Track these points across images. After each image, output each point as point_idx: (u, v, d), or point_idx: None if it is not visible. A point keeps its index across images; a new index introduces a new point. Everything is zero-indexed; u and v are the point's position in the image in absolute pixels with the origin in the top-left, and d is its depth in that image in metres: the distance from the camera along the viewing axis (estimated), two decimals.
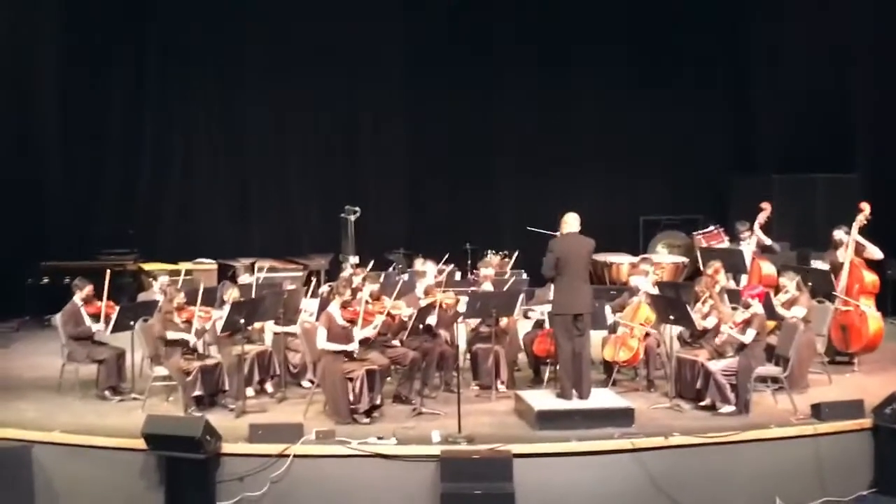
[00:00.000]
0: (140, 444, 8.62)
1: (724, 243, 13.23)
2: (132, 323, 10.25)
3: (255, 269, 12.90)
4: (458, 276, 12.62)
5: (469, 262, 14.56)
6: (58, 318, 10.57)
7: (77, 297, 10.54)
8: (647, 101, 16.91)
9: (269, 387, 10.52)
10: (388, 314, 9.95)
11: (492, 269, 11.50)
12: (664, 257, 15.50)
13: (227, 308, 10.01)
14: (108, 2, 15.86)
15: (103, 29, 15.87)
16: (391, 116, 17.20)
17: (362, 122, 17.25)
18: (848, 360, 11.39)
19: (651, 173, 17.02)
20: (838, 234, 11.64)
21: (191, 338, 9.96)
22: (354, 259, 14.20)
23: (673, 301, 10.21)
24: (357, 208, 15.14)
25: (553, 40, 16.88)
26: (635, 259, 14.17)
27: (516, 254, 11.99)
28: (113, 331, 10.37)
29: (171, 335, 9.91)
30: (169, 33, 16.26)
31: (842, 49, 15.24)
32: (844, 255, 11.44)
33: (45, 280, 14.36)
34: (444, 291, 10.50)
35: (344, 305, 9.70)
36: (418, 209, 17.13)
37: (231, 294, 10.40)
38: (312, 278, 13.15)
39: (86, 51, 15.81)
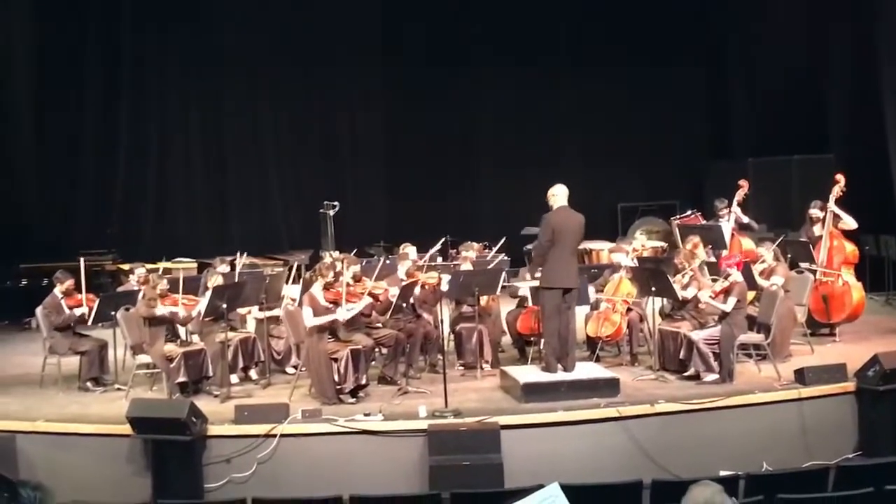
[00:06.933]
0: (125, 429, 8.54)
1: None
2: (113, 313, 10.17)
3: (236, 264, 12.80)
4: (439, 259, 12.61)
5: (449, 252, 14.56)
6: (39, 312, 10.48)
7: (57, 290, 10.44)
8: (622, 89, 17.05)
9: (253, 373, 10.47)
10: (371, 294, 9.92)
11: (473, 252, 11.52)
12: (644, 242, 15.51)
13: (209, 294, 9.95)
14: (80, 11, 15.83)
15: (77, 33, 15.88)
16: (370, 113, 17.27)
17: (340, 119, 17.31)
18: (829, 331, 11.45)
19: (627, 161, 17.15)
20: (814, 209, 11.71)
21: (180, 310, 9.81)
22: (335, 254, 14.16)
23: (654, 272, 10.23)
24: (336, 203, 15.14)
25: (530, 33, 16.98)
26: (613, 245, 14.19)
27: (503, 240, 11.98)
28: (94, 321, 10.30)
29: (161, 310, 9.75)
30: (143, 34, 16.27)
31: (814, 32, 15.35)
32: (821, 230, 11.52)
33: (24, 282, 14.26)
34: (425, 271, 10.48)
35: (326, 287, 9.64)
36: (398, 203, 17.16)
37: (214, 280, 10.33)
38: (293, 271, 13.10)
39: (60, 54, 15.78)
